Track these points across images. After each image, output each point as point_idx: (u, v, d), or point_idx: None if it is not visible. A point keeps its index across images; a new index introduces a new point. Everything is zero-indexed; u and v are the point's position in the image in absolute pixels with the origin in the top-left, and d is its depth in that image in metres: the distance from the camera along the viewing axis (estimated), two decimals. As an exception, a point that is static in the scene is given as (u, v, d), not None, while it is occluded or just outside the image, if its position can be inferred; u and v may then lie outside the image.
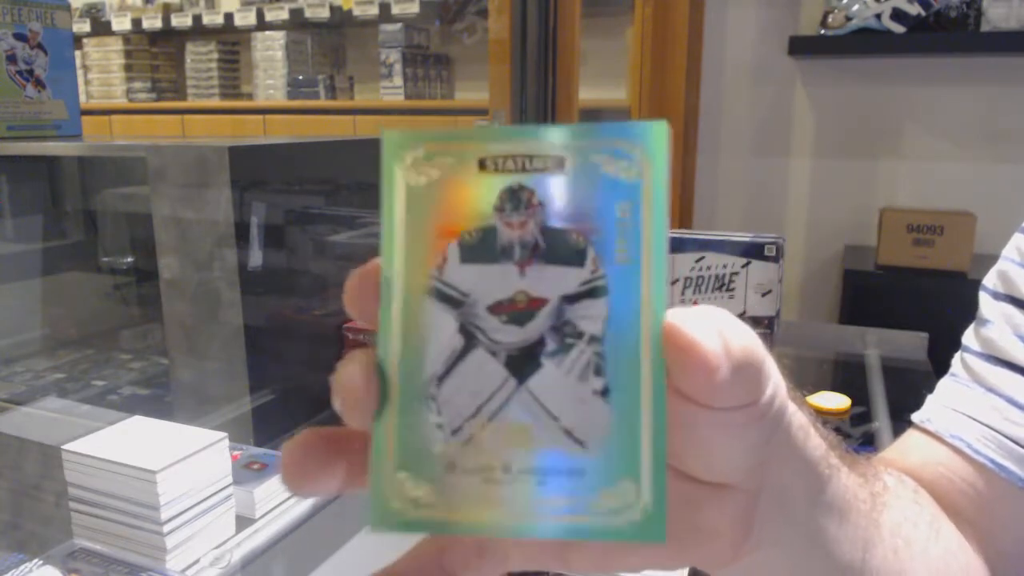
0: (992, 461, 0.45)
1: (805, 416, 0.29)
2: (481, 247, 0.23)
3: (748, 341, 0.23)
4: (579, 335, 0.22)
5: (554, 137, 0.23)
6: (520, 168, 0.23)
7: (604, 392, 0.22)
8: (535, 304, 0.23)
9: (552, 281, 0.22)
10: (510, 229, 0.23)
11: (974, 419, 0.46)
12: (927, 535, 0.40)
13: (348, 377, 0.24)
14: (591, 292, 0.22)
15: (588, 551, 0.27)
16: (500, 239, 0.23)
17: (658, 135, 0.22)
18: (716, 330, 0.22)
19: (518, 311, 0.23)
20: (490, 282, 0.23)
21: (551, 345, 0.22)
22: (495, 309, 0.23)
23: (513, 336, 0.23)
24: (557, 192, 0.23)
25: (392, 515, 0.22)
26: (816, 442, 0.30)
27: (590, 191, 0.23)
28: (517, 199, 0.23)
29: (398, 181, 0.23)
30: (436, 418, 0.23)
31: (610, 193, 0.22)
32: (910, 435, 0.50)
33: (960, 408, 0.47)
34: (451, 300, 0.23)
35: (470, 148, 0.23)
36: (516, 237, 0.23)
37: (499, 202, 0.23)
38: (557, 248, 0.23)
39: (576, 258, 0.22)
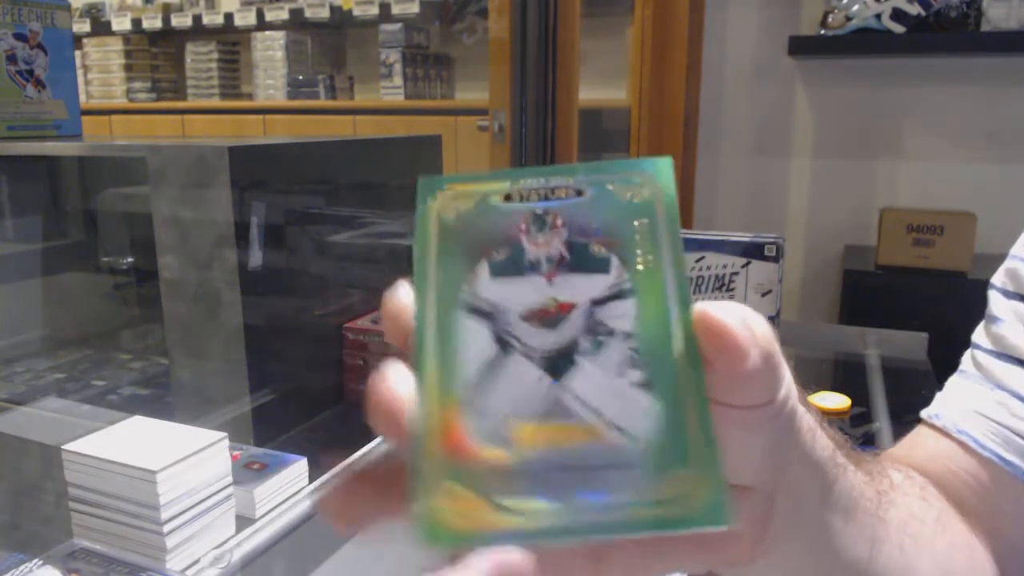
0: (998, 456, 0.45)
1: (812, 417, 0.30)
2: (509, 264, 0.24)
3: (770, 333, 0.24)
4: (611, 332, 0.23)
5: (572, 174, 0.25)
6: (543, 198, 0.25)
7: (644, 384, 0.23)
8: (565, 308, 0.24)
9: (580, 287, 0.24)
10: (536, 247, 0.24)
11: (982, 415, 0.46)
12: (933, 531, 0.41)
13: (385, 392, 0.23)
14: (619, 294, 0.24)
15: (620, 557, 0.26)
16: (527, 255, 0.24)
17: (664, 167, 0.25)
18: (742, 318, 0.23)
19: (550, 316, 0.24)
20: (520, 293, 0.24)
21: (585, 344, 0.23)
22: (527, 316, 0.24)
23: (547, 339, 0.23)
24: (578, 214, 0.25)
25: (442, 530, 0.21)
26: (824, 442, 0.31)
27: (608, 211, 0.25)
28: (542, 221, 0.24)
29: (431, 216, 0.25)
30: (479, 425, 0.23)
31: (626, 211, 0.25)
32: (919, 431, 0.50)
33: (968, 404, 0.48)
34: (483, 312, 0.24)
35: (495, 187, 0.25)
36: (542, 253, 0.24)
37: (525, 225, 0.24)
38: (582, 259, 0.24)
39: (601, 266, 0.24)
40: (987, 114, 2.06)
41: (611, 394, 0.23)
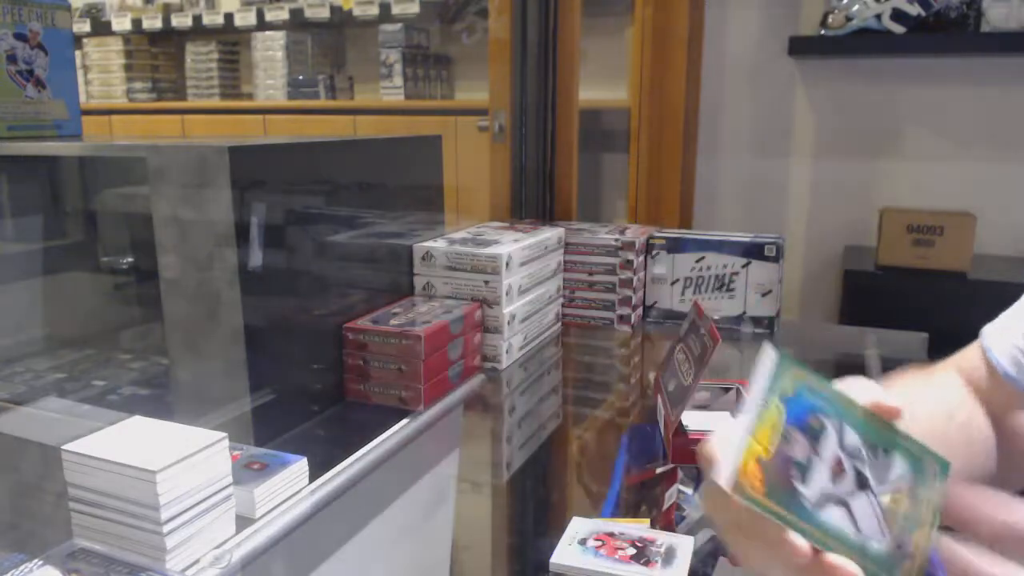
0: (1006, 374, 0.65)
1: None
2: None
3: None
4: None
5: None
6: None
7: None
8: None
9: None
10: None
11: (1007, 338, 0.66)
12: (965, 417, 0.65)
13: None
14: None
15: None
16: None
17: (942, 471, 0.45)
18: None
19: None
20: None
21: None
22: None
23: None
24: None
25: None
26: None
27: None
28: None
29: None
30: None
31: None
32: (973, 346, 0.70)
33: (1003, 327, 0.68)
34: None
35: None
36: None
37: None
38: None
39: None
40: (987, 114, 2.06)
41: None
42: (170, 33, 3.40)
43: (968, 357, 0.70)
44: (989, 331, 0.68)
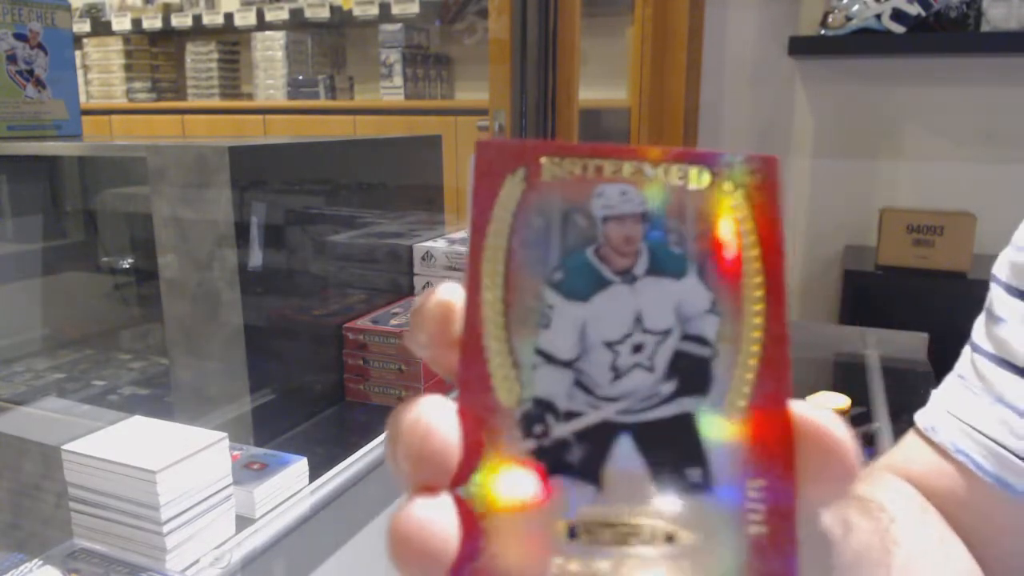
0: (997, 479, 0.44)
1: None
2: None
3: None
4: None
5: None
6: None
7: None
8: None
9: None
10: None
11: (980, 432, 0.45)
12: (937, 561, 0.40)
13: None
14: None
15: None
16: None
17: None
18: (845, 429, 0.21)
19: None
20: None
21: None
22: None
23: None
24: None
25: None
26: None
27: None
28: None
29: None
30: None
31: None
32: (915, 441, 0.49)
33: (966, 418, 0.46)
34: None
35: None
36: None
37: None
38: None
39: None
40: (987, 114, 2.06)
41: None
42: (170, 33, 3.39)
43: (913, 459, 0.48)
44: (944, 425, 0.47)
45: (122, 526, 0.64)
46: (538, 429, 0.21)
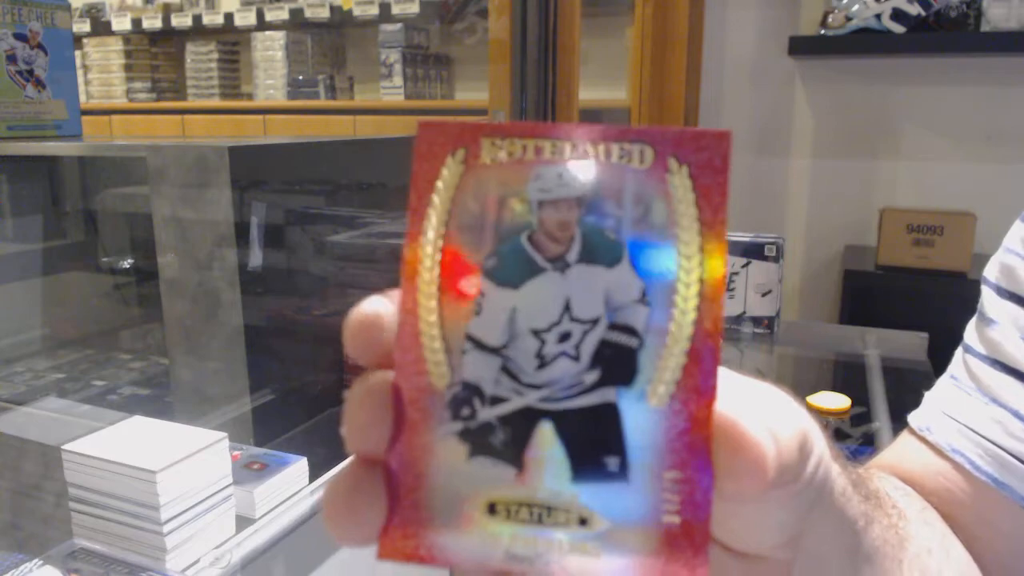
0: (993, 479, 0.44)
1: (845, 476, 0.28)
2: None
3: (796, 429, 0.22)
4: None
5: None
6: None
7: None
8: None
9: None
10: None
11: (975, 431, 0.45)
12: (940, 560, 0.40)
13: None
14: None
15: None
16: None
17: None
18: (768, 427, 0.21)
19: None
20: None
21: None
22: None
23: None
24: None
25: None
26: (855, 501, 0.29)
27: None
28: None
29: None
30: None
31: None
32: (909, 441, 0.49)
33: (961, 418, 0.46)
34: None
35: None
36: None
37: None
38: None
39: None
40: (987, 114, 2.06)
41: None
42: (170, 33, 3.39)
43: (908, 459, 0.48)
44: (939, 425, 0.47)
45: (122, 526, 0.64)
46: (465, 412, 0.21)
